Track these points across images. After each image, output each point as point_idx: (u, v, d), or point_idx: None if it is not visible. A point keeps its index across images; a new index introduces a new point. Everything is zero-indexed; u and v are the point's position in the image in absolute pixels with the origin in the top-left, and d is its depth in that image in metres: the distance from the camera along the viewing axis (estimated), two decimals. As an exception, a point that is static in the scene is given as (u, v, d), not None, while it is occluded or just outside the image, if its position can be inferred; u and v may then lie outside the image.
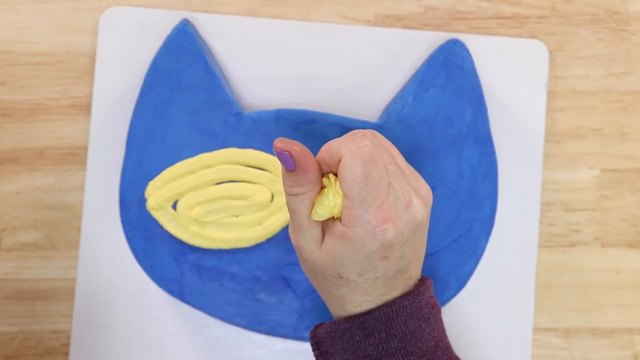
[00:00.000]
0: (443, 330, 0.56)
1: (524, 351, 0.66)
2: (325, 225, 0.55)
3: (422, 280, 0.56)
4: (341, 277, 0.54)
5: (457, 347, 0.62)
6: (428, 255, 0.63)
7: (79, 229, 0.66)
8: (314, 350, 0.57)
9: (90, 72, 0.66)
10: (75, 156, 0.66)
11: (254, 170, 0.63)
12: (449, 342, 0.56)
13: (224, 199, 0.62)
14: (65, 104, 0.66)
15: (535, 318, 0.67)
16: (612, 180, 0.68)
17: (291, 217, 0.55)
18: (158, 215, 0.62)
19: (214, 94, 0.63)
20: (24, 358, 0.67)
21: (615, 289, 0.68)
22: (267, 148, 0.63)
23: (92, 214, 0.66)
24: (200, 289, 0.63)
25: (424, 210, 0.54)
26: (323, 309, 0.63)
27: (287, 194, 0.55)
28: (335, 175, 0.54)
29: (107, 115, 0.65)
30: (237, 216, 0.63)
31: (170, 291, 0.63)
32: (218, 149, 0.63)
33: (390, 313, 0.54)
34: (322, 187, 0.54)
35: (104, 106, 0.65)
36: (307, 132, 0.63)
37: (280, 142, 0.54)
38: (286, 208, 0.62)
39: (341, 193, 0.53)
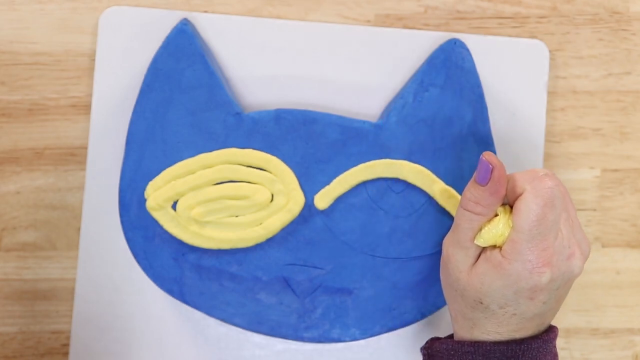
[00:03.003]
0: None
1: (524, 351, 0.66)
2: (483, 250, 0.56)
3: (551, 328, 0.57)
4: (481, 304, 0.55)
5: (458, 347, 0.62)
6: (429, 256, 0.63)
7: (78, 229, 0.66)
8: None
9: (89, 72, 0.66)
10: (74, 156, 0.66)
11: (254, 170, 0.63)
12: None
13: (224, 199, 0.62)
14: (64, 104, 0.66)
15: (535, 318, 0.67)
16: (612, 180, 0.68)
17: (454, 230, 0.56)
18: (158, 215, 0.62)
19: (214, 94, 0.63)
20: (23, 358, 0.67)
21: (616, 289, 0.68)
22: (267, 148, 0.63)
23: (91, 214, 0.66)
24: (200, 289, 0.63)
25: (582, 265, 0.55)
26: (323, 309, 0.63)
27: (463, 208, 0.56)
28: (510, 206, 0.55)
29: (107, 115, 0.65)
30: (237, 216, 0.63)
31: (170, 291, 0.63)
32: (218, 149, 0.63)
33: (518, 351, 0.55)
34: (495, 215, 0.55)
35: (104, 106, 0.65)
36: (307, 132, 0.63)
37: (488, 154, 0.55)
38: (286, 208, 0.62)
39: (511, 225, 0.54)
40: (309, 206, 0.63)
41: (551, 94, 0.67)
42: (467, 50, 0.64)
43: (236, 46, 0.66)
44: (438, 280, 0.63)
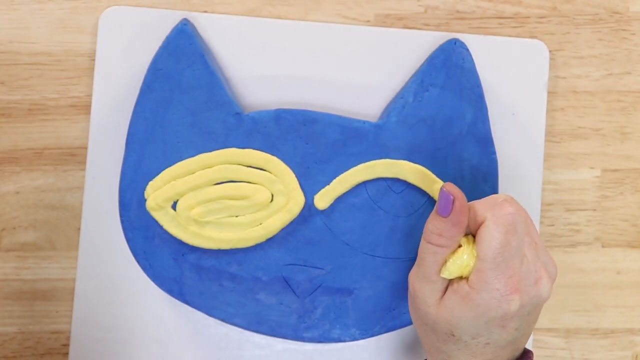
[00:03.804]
0: None
1: (524, 351, 0.66)
2: (450, 283, 0.55)
3: (525, 353, 0.57)
4: (453, 336, 0.55)
5: (458, 348, 0.62)
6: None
7: (78, 229, 0.66)
8: None
9: (89, 72, 0.66)
10: (74, 156, 0.66)
11: (254, 170, 0.63)
12: None
13: (223, 199, 0.62)
14: (64, 104, 0.66)
15: (535, 318, 0.67)
16: (612, 180, 0.68)
17: (419, 264, 0.56)
18: (158, 215, 0.62)
19: (214, 94, 0.63)
20: (23, 358, 0.67)
21: (616, 289, 0.68)
22: (267, 148, 0.63)
23: (91, 214, 0.66)
24: (200, 289, 0.63)
25: (550, 288, 0.55)
26: (323, 309, 0.63)
27: (426, 241, 0.55)
28: (473, 236, 0.55)
29: (107, 115, 0.65)
30: (237, 216, 0.63)
31: (170, 291, 0.63)
32: (218, 149, 0.63)
33: None
34: (459, 246, 0.55)
35: (104, 106, 0.65)
36: (307, 132, 0.63)
37: (449, 185, 0.54)
38: (286, 208, 0.62)
39: (476, 255, 0.54)
40: (309, 206, 0.63)
41: (551, 94, 0.67)
42: (467, 50, 0.64)
43: (236, 46, 0.66)
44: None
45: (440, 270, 0.55)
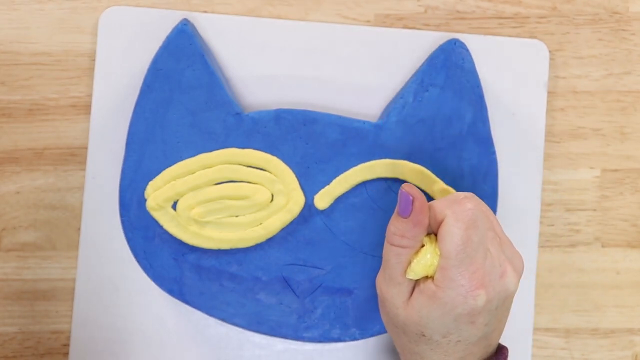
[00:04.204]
0: None
1: (524, 351, 0.66)
2: (416, 283, 0.55)
3: (500, 349, 0.57)
4: (424, 336, 0.55)
5: (458, 347, 0.62)
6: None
7: (78, 229, 0.66)
8: None
9: (89, 72, 0.66)
10: (74, 156, 0.66)
11: (254, 170, 0.63)
12: None
13: (223, 199, 0.62)
14: (64, 104, 0.66)
15: (535, 318, 0.67)
16: (612, 180, 0.68)
17: (384, 267, 0.56)
18: (158, 215, 0.62)
19: (214, 94, 0.63)
20: (23, 358, 0.67)
21: (616, 289, 0.68)
22: (267, 148, 0.63)
23: (91, 214, 0.66)
24: (200, 289, 0.63)
25: (516, 281, 0.55)
26: (323, 309, 0.63)
27: (389, 243, 0.55)
28: (435, 235, 0.55)
29: (107, 115, 0.65)
30: (237, 216, 0.63)
31: (170, 291, 0.63)
32: (218, 149, 0.63)
33: None
34: (422, 246, 0.55)
35: (104, 106, 0.65)
36: (307, 132, 0.63)
37: (408, 186, 0.54)
38: (286, 208, 0.62)
39: (439, 253, 0.54)
40: (309, 206, 0.63)
41: (551, 94, 0.67)
42: (467, 50, 0.64)
43: (236, 46, 0.66)
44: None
45: (405, 272, 0.55)
